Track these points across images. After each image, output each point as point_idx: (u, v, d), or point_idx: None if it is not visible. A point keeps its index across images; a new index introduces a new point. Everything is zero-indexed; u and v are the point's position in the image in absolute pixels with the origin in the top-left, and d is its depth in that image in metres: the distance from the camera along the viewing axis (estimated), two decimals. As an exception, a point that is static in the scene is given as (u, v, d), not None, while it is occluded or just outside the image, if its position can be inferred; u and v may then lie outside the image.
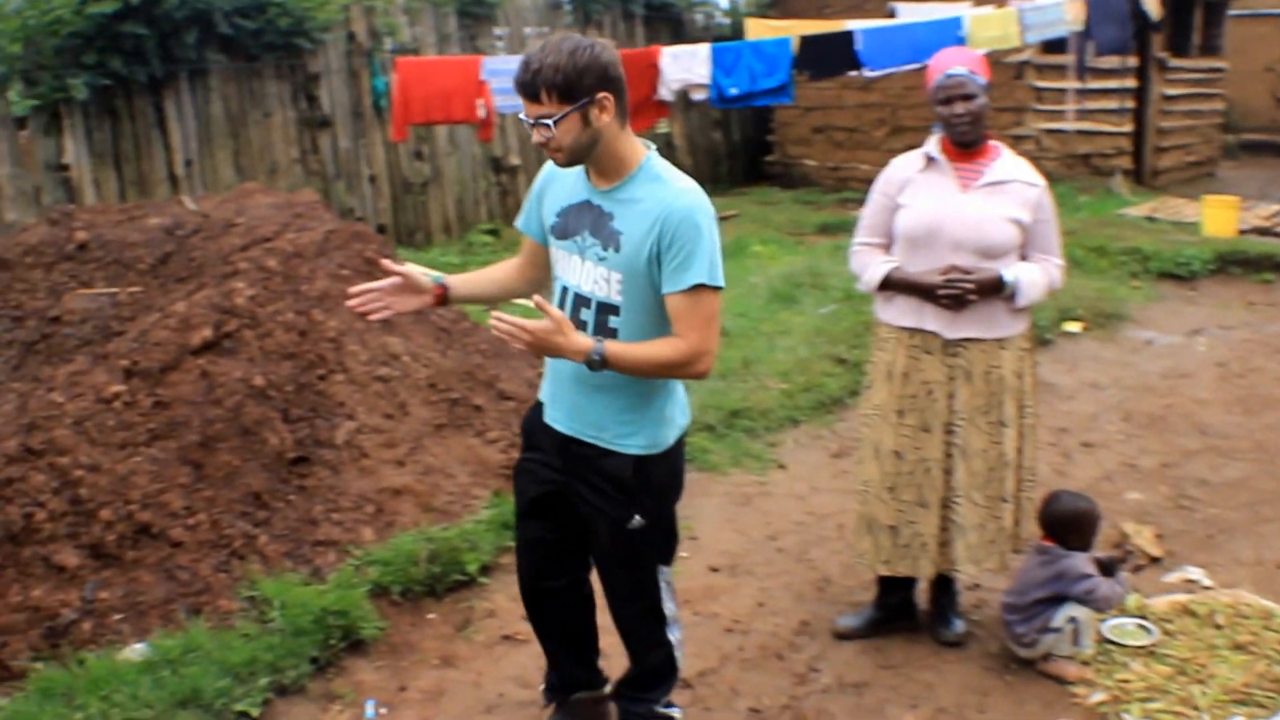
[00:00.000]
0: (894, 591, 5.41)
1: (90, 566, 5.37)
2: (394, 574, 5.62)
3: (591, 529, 3.96)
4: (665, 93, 12.27)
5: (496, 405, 7.16)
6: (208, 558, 5.48)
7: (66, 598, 5.25)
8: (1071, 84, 15.26)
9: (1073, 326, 10.28)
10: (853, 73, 12.74)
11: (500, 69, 11.62)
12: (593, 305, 3.63)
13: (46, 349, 7.10)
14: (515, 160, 15.05)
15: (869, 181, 5.25)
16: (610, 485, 3.79)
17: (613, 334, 3.60)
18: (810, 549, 6.28)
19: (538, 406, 4.01)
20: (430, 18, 14.58)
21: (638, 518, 3.81)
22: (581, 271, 3.65)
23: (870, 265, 5.05)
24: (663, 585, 4.03)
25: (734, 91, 12.37)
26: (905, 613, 5.46)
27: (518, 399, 7.23)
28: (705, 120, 17.30)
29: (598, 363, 3.46)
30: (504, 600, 5.67)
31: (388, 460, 6.32)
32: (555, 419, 3.88)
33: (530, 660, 5.16)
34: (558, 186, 3.79)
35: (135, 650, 5.07)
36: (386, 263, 3.91)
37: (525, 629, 5.19)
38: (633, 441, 3.75)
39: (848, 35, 12.38)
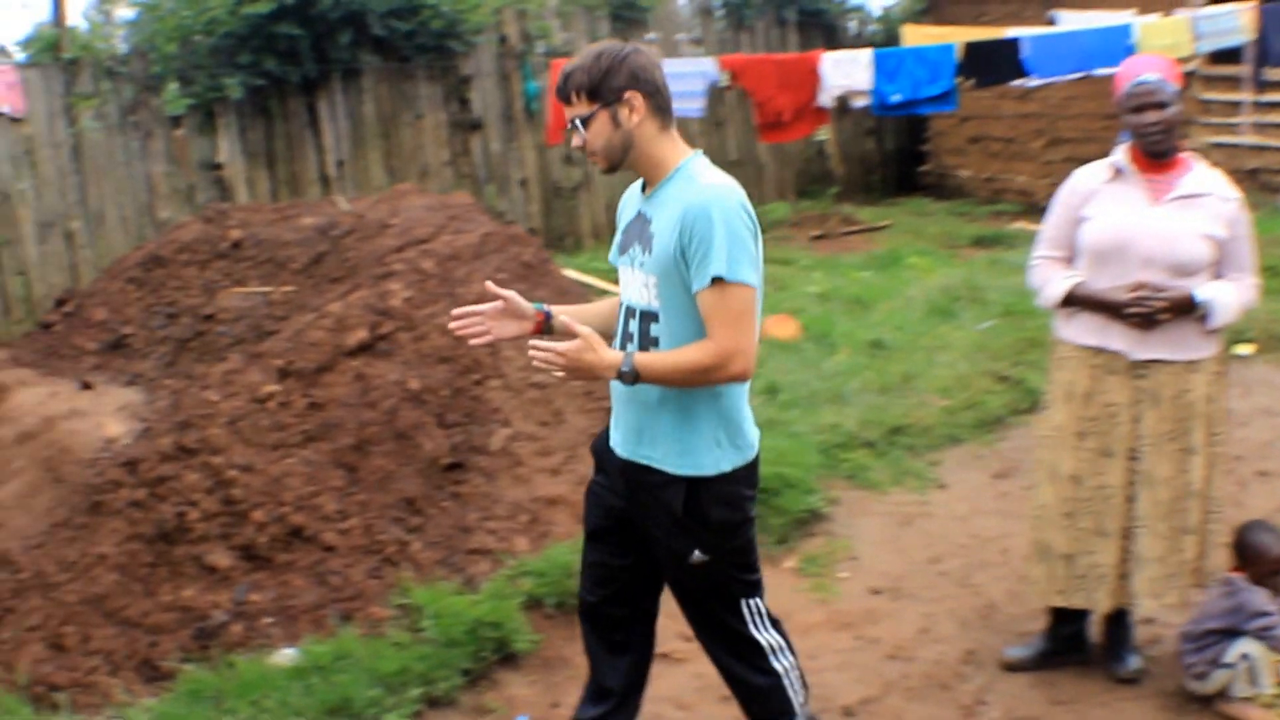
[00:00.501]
0: (1066, 623, 5.18)
1: (241, 568, 5.38)
2: (548, 586, 5.53)
3: (660, 561, 3.85)
4: (825, 99, 12.06)
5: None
6: (360, 563, 5.46)
7: (217, 599, 5.27)
8: (1244, 96, 14.73)
9: (1245, 349, 9.85)
10: (1017, 81, 12.43)
11: (655, 72, 11.53)
12: (637, 315, 3.60)
13: (200, 346, 7.18)
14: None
15: (1025, 193, 5.03)
16: (666, 516, 3.65)
17: (655, 343, 3.54)
18: (974, 573, 6.08)
19: (607, 428, 3.92)
20: (582, 21, 14.57)
21: (698, 552, 3.65)
22: (633, 283, 3.63)
23: (1052, 280, 4.82)
24: (750, 615, 3.83)
25: (896, 99, 12.13)
26: (1077, 646, 5.22)
27: (673, 408, 7.12)
28: (858, 129, 17.06)
29: (629, 375, 3.40)
30: (661, 617, 5.49)
31: (542, 469, 6.25)
32: (615, 441, 3.79)
33: (686, 680, 5.05)
34: (625, 208, 3.79)
35: (285, 655, 5.06)
36: (490, 285, 3.86)
37: (682, 647, 5.08)
38: (682, 462, 3.59)
39: (1013, 43, 12.06)
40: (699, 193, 3.40)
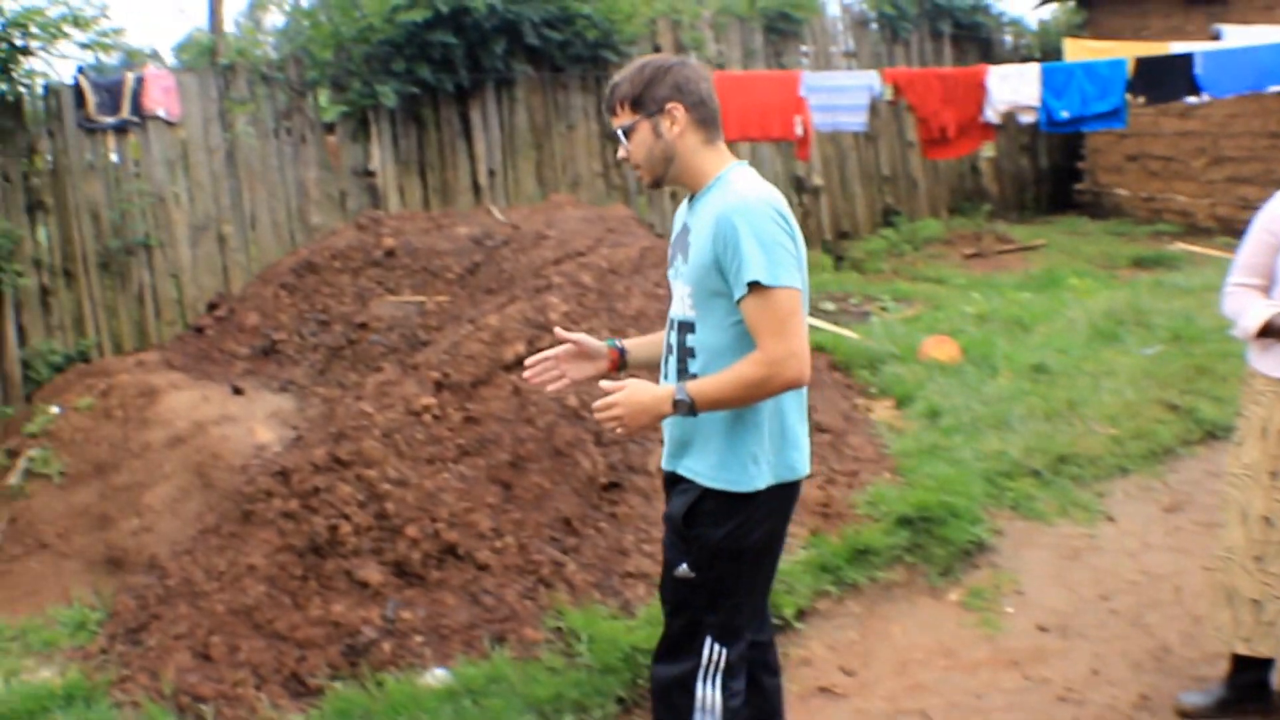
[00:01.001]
0: (1249, 670, 4.90)
1: (393, 584, 5.32)
2: (705, 615, 5.39)
3: None
4: (991, 114, 11.80)
5: (812, 438, 6.87)
6: (514, 583, 5.37)
7: (368, 615, 5.21)
8: None
9: None
10: (1190, 99, 12.04)
11: (819, 85, 11.36)
12: (675, 325, 3.60)
13: (352, 355, 7.18)
14: (818, 181, 14.78)
15: (1185, 214, 4.76)
16: (670, 523, 3.66)
17: (690, 353, 3.53)
18: (1146, 613, 5.80)
19: None
20: (736, 32, 14.44)
21: (684, 566, 3.59)
22: (675, 294, 3.64)
23: (1248, 309, 4.55)
24: (706, 657, 3.66)
25: (1064, 115, 11.82)
26: (1259, 695, 4.93)
27: (834, 431, 6.96)
28: (1013, 145, 16.68)
29: (685, 405, 3.37)
30: (820, 648, 5.41)
31: (701, 492, 6.11)
32: (664, 454, 3.75)
33: (849, 716, 4.89)
34: (675, 224, 3.77)
35: (436, 676, 4.99)
36: (559, 331, 3.88)
37: (843, 681, 4.95)
38: (710, 474, 3.52)
39: (1187, 58, 11.70)
40: (730, 201, 3.38)
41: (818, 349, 9.14)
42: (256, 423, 7.18)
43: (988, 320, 10.48)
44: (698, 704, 3.65)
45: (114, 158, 10.89)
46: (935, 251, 14.35)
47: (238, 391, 7.64)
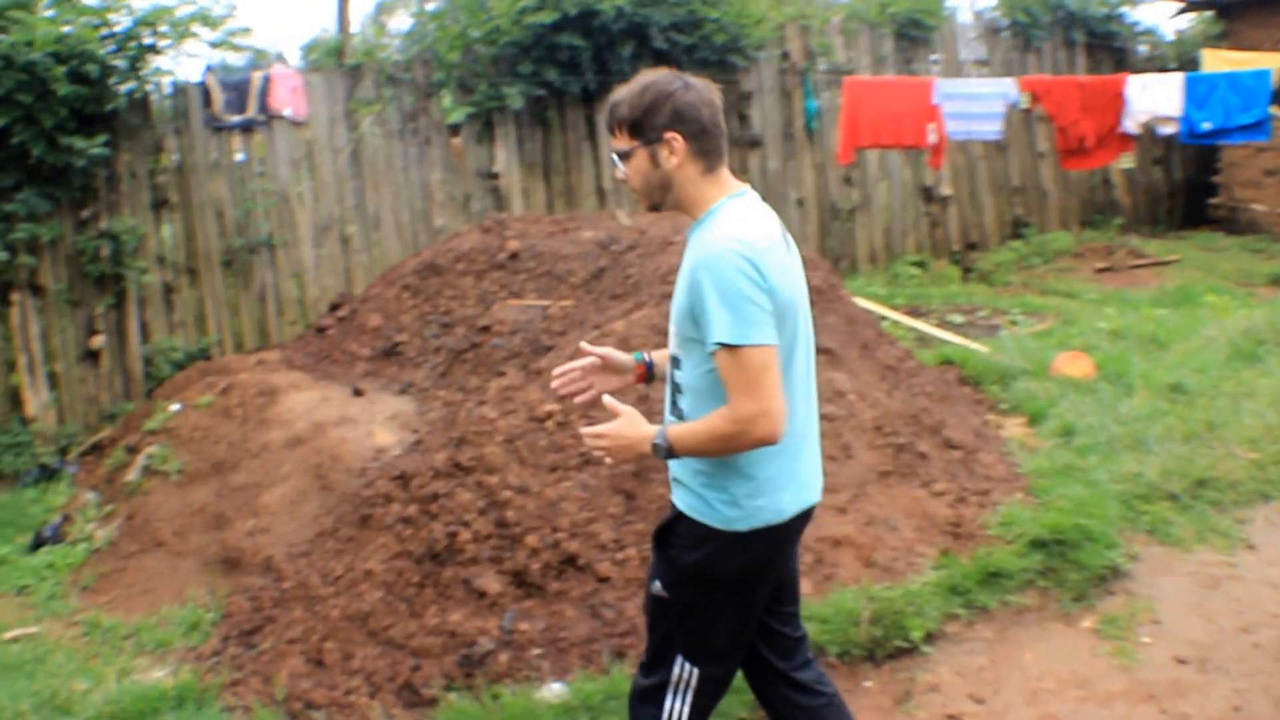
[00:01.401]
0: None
1: (512, 595, 5.22)
2: (832, 633, 5.22)
3: None
4: (1130, 125, 11.50)
5: (942, 454, 6.68)
6: (635, 596, 5.23)
7: (485, 625, 5.12)
8: None
9: None
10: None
11: (954, 93, 11.14)
12: (671, 360, 3.57)
13: (474, 358, 7.10)
14: (947, 191, 14.49)
15: None
16: (657, 536, 3.64)
17: (679, 390, 3.49)
18: (1290, 648, 5.53)
19: None
20: (866, 39, 14.22)
21: (658, 584, 3.59)
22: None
23: None
24: (675, 676, 3.61)
25: (1207, 126, 11.49)
26: None
27: (964, 448, 6.74)
28: (1145, 157, 16.21)
29: (663, 448, 3.35)
30: (948, 674, 5.20)
31: (828, 506, 5.92)
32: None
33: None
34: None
35: (553, 690, 4.88)
36: (584, 345, 3.86)
37: (973, 709, 4.79)
38: (684, 498, 3.52)
39: (1333, 70, 11.33)
40: (703, 251, 3.29)
41: (947, 362, 8.92)
42: (376, 425, 7.13)
43: (1122, 337, 10.17)
44: (664, 716, 3.62)
45: (239, 156, 10.99)
46: (1066, 265, 14.00)
47: (358, 393, 7.60)
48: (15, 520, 8.17)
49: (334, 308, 10.18)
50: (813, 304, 6.75)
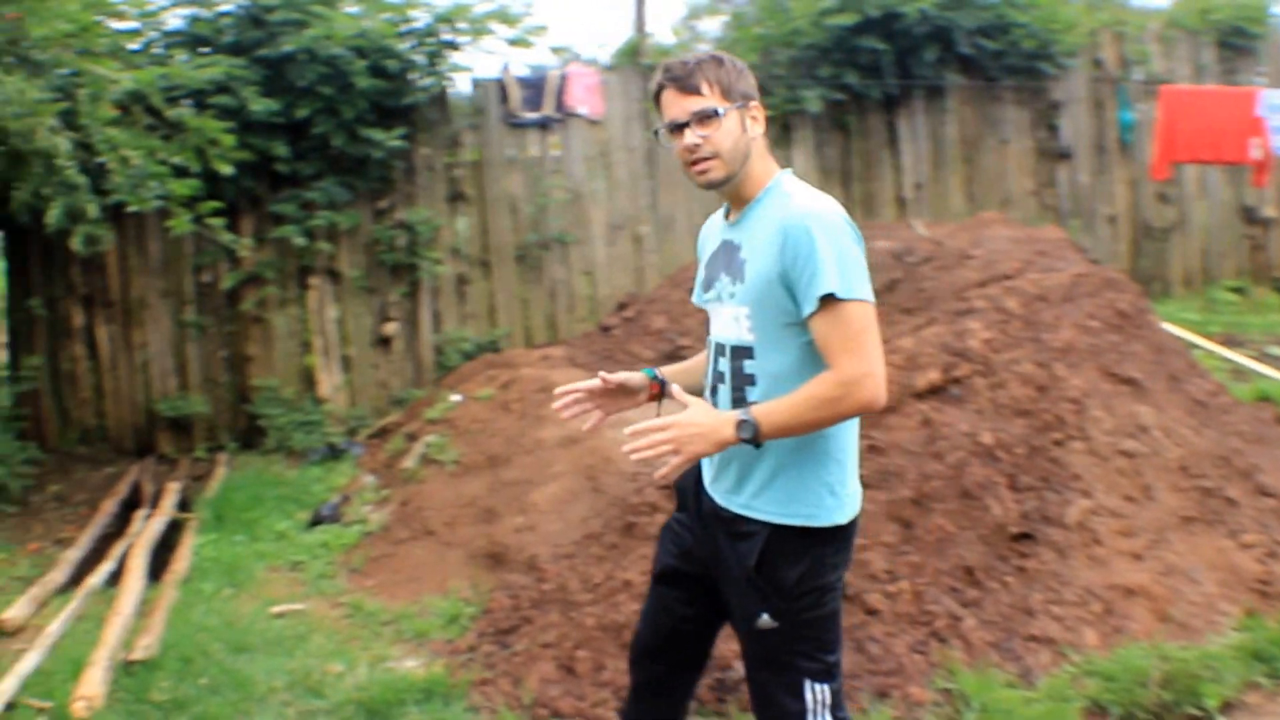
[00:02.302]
0: None
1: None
2: (1117, 693, 4.74)
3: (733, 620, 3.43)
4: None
5: (1254, 501, 6.08)
6: (905, 633, 4.89)
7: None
8: None
9: None
10: None
11: (1280, 104, 10.39)
12: (728, 351, 3.28)
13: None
14: (1271, 213, 13.52)
15: None
16: (739, 570, 3.26)
17: (749, 380, 3.22)
18: None
19: (698, 464, 3.46)
20: (1185, 47, 13.39)
21: (765, 616, 3.21)
22: (721, 318, 3.33)
23: None
24: (812, 703, 3.27)
25: None
26: None
27: (1278, 496, 6.13)
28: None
29: (751, 426, 3.04)
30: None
31: (1123, 551, 5.45)
32: (710, 483, 3.39)
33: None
34: (706, 242, 3.53)
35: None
36: (603, 376, 3.56)
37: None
38: (784, 510, 3.20)
39: None
40: (797, 210, 3.14)
41: (1264, 399, 8.20)
42: (650, 429, 6.97)
43: None
44: None
45: (534, 153, 11.03)
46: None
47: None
48: (298, 496, 8.33)
49: (621, 307, 10.11)
50: (1118, 329, 6.31)
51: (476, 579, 6.29)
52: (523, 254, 10.89)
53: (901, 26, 11.42)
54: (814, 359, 3.11)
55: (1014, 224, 8.48)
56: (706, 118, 3.15)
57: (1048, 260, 6.97)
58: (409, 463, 7.87)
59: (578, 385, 3.52)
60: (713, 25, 23.88)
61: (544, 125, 10.96)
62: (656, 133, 3.30)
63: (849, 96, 11.76)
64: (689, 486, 3.53)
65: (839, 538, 3.25)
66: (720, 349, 3.30)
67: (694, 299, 3.59)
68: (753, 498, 3.23)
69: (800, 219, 3.08)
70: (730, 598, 3.33)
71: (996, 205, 12.08)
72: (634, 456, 3.07)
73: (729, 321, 3.27)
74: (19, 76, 6.50)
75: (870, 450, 5.45)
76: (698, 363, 3.62)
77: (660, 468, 3.11)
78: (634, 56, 12.58)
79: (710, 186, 3.25)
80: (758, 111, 3.24)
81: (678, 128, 3.19)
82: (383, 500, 7.68)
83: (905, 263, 7.26)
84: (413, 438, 8.31)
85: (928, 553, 5.15)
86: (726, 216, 3.40)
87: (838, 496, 3.22)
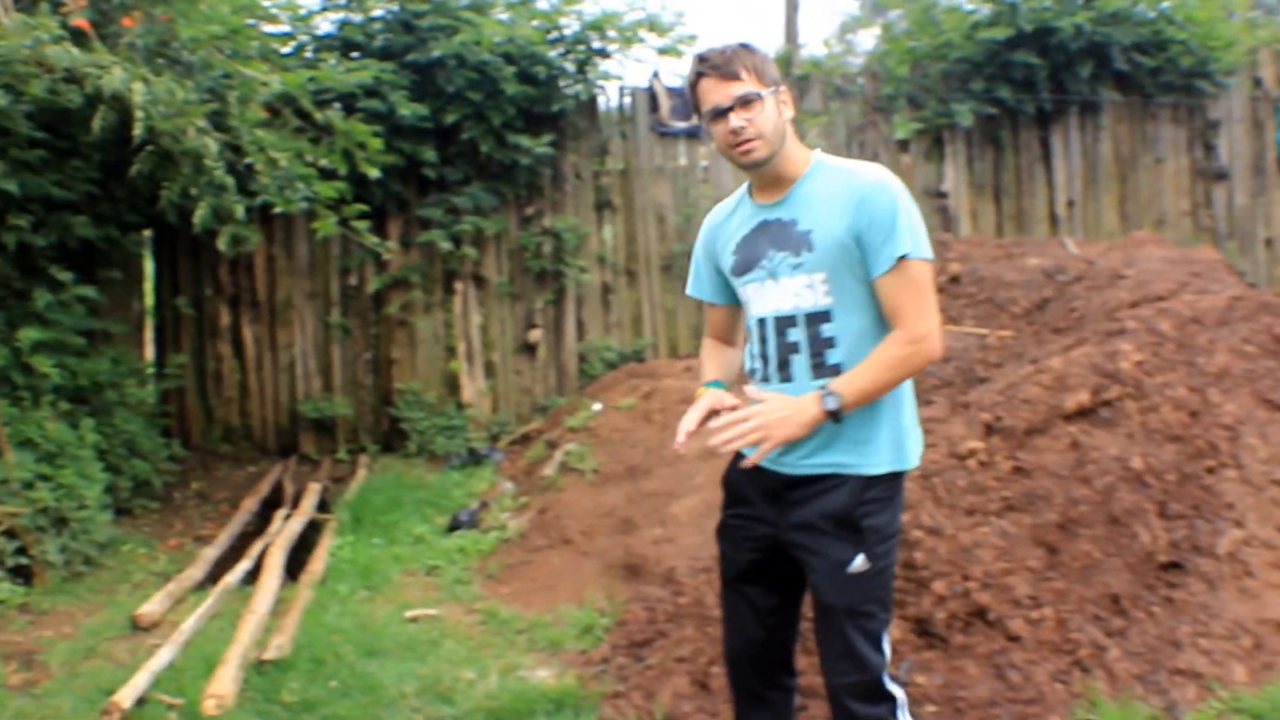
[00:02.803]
0: None
1: (911, 643, 4.84)
2: (1265, 730, 4.57)
3: (810, 580, 3.46)
4: None
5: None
6: (1046, 661, 4.75)
7: (878, 672, 4.74)
8: None
9: None
10: None
11: None
12: (799, 320, 3.38)
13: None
14: None
15: None
16: (830, 522, 3.34)
17: (828, 344, 3.34)
18: None
19: (738, 457, 3.53)
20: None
21: (861, 557, 3.32)
22: (778, 293, 3.41)
23: None
24: (890, 658, 3.43)
25: None
26: None
27: None
28: None
29: (836, 396, 3.20)
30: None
31: (1275, 585, 5.23)
32: (774, 458, 3.41)
33: None
34: (724, 230, 3.62)
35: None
36: (749, 390, 3.50)
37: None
38: (874, 459, 3.34)
39: None
40: (867, 177, 3.30)
41: None
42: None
43: None
44: (898, 701, 3.45)
45: (683, 162, 11.00)
46: None
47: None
48: (437, 501, 8.39)
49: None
50: (1275, 355, 6.09)
51: (612, 590, 6.26)
52: (668, 264, 10.88)
53: (1056, 41, 11.23)
54: (883, 316, 3.32)
55: (1168, 244, 8.24)
56: (748, 101, 3.29)
57: (1202, 282, 6.74)
58: (548, 470, 7.87)
59: (689, 424, 3.48)
60: (864, 38, 23.68)
61: (693, 134, 10.92)
62: (699, 121, 3.41)
63: (1002, 111, 11.57)
64: (738, 476, 3.58)
65: (902, 481, 3.45)
66: (787, 321, 3.39)
67: (692, 291, 3.77)
68: (836, 454, 3.34)
69: (874, 184, 3.25)
70: (816, 555, 3.38)
71: (1150, 225, 11.79)
72: (723, 448, 3.21)
73: (798, 291, 3.37)
74: (169, 77, 6.62)
75: (1016, 472, 5.31)
76: (725, 361, 3.76)
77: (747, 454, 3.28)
78: (786, 67, 12.48)
79: (754, 165, 3.36)
80: (786, 96, 3.39)
81: (721, 113, 3.30)
82: (521, 507, 7.69)
83: (1056, 281, 7.07)
84: (553, 445, 8.31)
85: (1073, 579, 5.00)
86: (751, 200, 3.52)
87: (910, 438, 3.41)
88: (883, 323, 3.32)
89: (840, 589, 3.36)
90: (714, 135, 3.38)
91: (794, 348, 3.38)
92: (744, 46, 3.36)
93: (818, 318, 3.36)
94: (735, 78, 3.30)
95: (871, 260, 3.26)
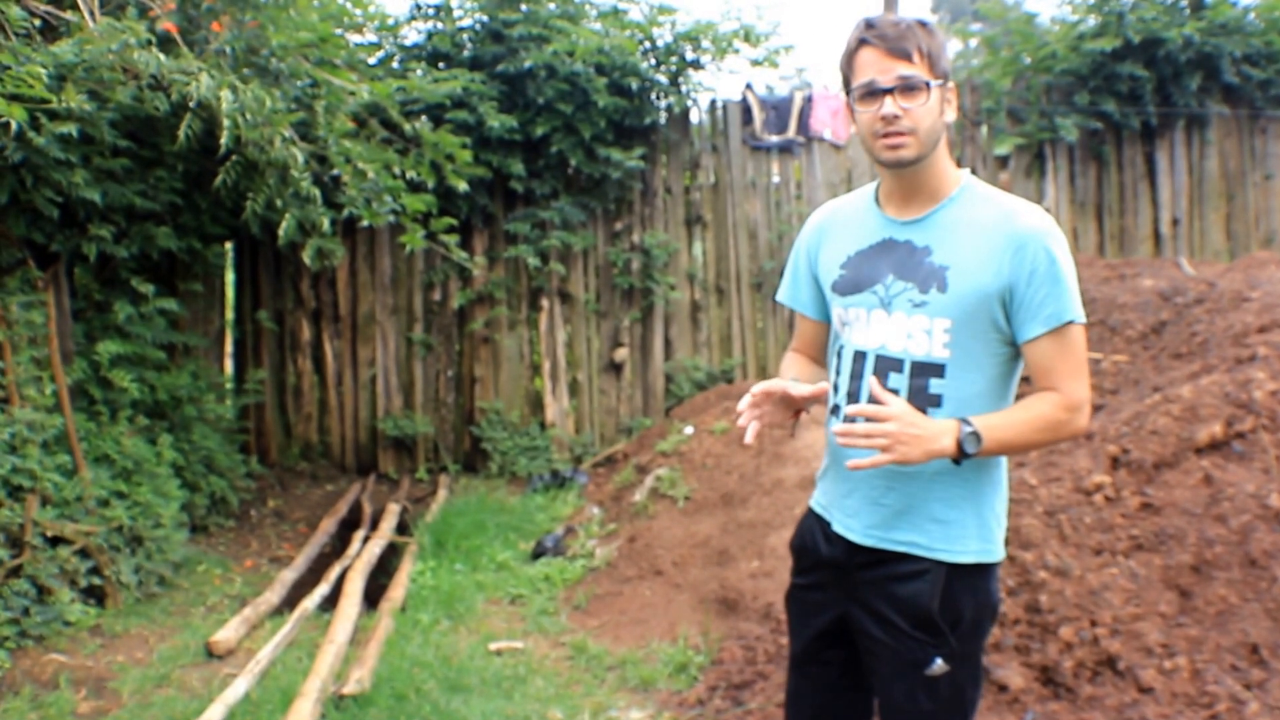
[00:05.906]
0: None
1: (1036, 693, 4.54)
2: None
3: (874, 674, 3.03)
4: None
5: None
6: (1180, 716, 4.43)
7: (1000, 723, 4.46)
8: None
9: None
10: None
11: None
12: (905, 368, 2.88)
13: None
14: None
15: None
16: (903, 616, 2.90)
17: (934, 402, 2.84)
18: None
19: (810, 515, 3.18)
20: None
21: (939, 661, 2.88)
22: (886, 328, 2.91)
23: None
24: None
25: None
26: None
27: None
28: None
29: (976, 438, 2.73)
30: None
31: None
32: (849, 527, 3.00)
33: None
34: (839, 233, 3.13)
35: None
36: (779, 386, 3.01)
37: None
38: (958, 546, 2.88)
39: None
40: (1029, 224, 2.81)
41: None
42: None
43: None
44: None
45: (775, 178, 10.75)
46: None
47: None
48: (520, 526, 8.15)
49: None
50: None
51: (707, 625, 5.99)
52: (759, 282, 10.62)
53: (1164, 53, 10.85)
54: (1005, 382, 2.91)
55: (1293, 265, 7.86)
56: (913, 88, 2.81)
57: (1336, 305, 6.40)
58: (638, 496, 7.62)
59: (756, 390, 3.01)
60: (961, 48, 23.33)
61: (786, 149, 10.67)
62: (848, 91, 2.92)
63: (1106, 125, 11.21)
64: (810, 541, 3.14)
65: (996, 571, 3.01)
66: (891, 364, 2.90)
67: (787, 300, 3.28)
68: (919, 533, 2.90)
69: (1037, 231, 2.79)
70: (885, 646, 2.94)
71: (1259, 244, 11.39)
72: (841, 442, 2.72)
73: (912, 332, 2.88)
74: (256, 85, 6.48)
75: (1145, 508, 4.99)
76: (809, 376, 3.21)
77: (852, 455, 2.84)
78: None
79: (897, 165, 2.86)
80: (953, 96, 2.91)
81: (875, 93, 2.82)
82: (609, 534, 7.44)
83: (1174, 304, 6.74)
84: (642, 470, 8.07)
85: (1208, 626, 4.67)
86: (879, 209, 3.03)
87: (1003, 527, 3.00)
88: (999, 389, 2.89)
89: (921, 689, 2.94)
90: (858, 118, 2.87)
91: (895, 395, 2.87)
92: (921, 24, 2.85)
93: (928, 369, 2.87)
94: (904, 56, 2.81)
95: (1025, 319, 2.80)
